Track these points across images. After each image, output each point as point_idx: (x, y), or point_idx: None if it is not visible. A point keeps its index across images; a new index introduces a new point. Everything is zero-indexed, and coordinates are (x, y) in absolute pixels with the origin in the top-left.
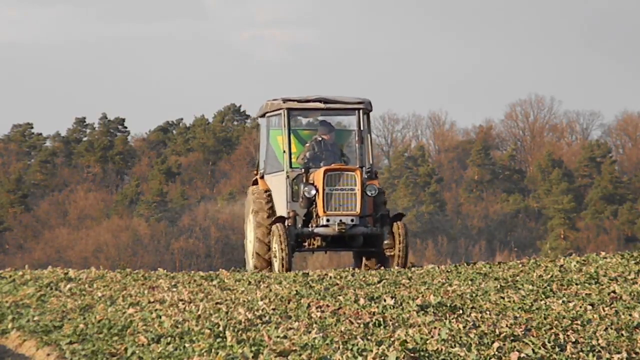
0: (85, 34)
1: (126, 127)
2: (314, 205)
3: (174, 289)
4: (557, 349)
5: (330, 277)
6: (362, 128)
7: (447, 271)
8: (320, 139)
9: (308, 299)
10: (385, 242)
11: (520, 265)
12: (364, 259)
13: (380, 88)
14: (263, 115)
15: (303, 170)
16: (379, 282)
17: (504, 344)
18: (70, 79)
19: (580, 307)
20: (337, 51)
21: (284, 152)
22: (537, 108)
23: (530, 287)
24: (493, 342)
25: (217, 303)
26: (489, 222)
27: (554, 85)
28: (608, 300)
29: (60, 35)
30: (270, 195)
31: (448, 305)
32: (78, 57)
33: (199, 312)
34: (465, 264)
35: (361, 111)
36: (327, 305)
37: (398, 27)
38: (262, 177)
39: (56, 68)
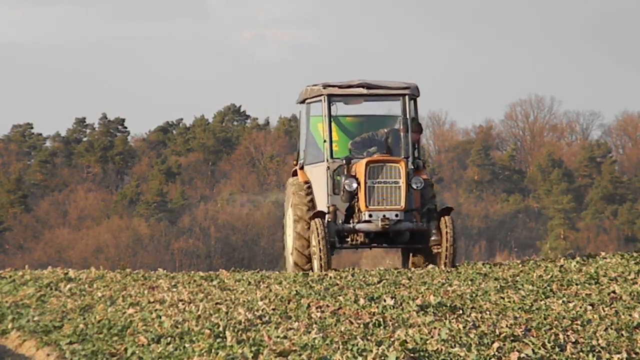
0: (86, 34)
1: (126, 127)
2: (356, 199)
3: (174, 289)
4: (557, 349)
5: (330, 277)
6: (408, 115)
7: (447, 271)
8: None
9: (308, 299)
10: (432, 238)
11: (520, 265)
12: (410, 256)
13: None
14: (303, 102)
15: (344, 161)
16: (379, 282)
17: (504, 344)
18: (70, 79)
19: (580, 307)
20: (338, 51)
21: (325, 141)
22: (537, 108)
23: (530, 287)
24: (493, 342)
25: (217, 303)
26: (489, 222)
27: (554, 85)
28: (608, 301)
29: (60, 35)
30: (310, 187)
31: (448, 305)
32: (78, 57)
33: (199, 312)
34: (465, 264)
35: (407, 97)
36: (327, 306)
37: (398, 27)
38: (301, 168)
39: (56, 68)
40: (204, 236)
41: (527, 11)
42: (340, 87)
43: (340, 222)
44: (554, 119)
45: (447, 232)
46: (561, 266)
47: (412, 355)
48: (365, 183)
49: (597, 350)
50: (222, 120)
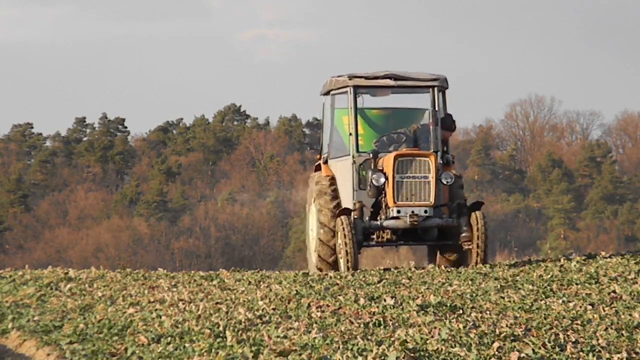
0: (86, 33)
1: (126, 127)
2: (383, 195)
3: (174, 289)
4: (557, 349)
5: (330, 277)
6: (437, 108)
7: (447, 271)
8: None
9: (308, 298)
10: (463, 234)
11: (520, 265)
12: (438, 253)
13: None
14: (327, 93)
15: (371, 155)
16: (379, 281)
17: (504, 344)
18: (71, 79)
19: (581, 307)
20: (339, 51)
21: (350, 134)
22: (537, 108)
23: (531, 287)
24: (493, 342)
25: (217, 303)
26: (489, 222)
27: (554, 85)
28: (608, 300)
29: (61, 34)
30: (334, 183)
31: (448, 305)
32: (78, 57)
33: (199, 312)
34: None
35: (436, 89)
36: (327, 305)
37: (399, 27)
38: (325, 162)
39: (56, 68)
40: (204, 236)
41: (527, 11)
42: (366, 78)
43: (366, 219)
44: (554, 118)
45: (478, 228)
46: (561, 266)
47: (412, 355)
48: (394, 178)
49: (597, 350)
50: (222, 120)
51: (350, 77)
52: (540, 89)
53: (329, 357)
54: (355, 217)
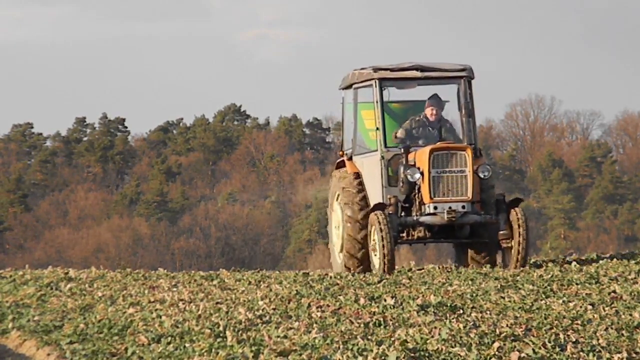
0: (86, 33)
1: (126, 127)
2: (417, 191)
3: (175, 289)
4: (557, 349)
5: (331, 277)
6: (467, 99)
7: (448, 271)
8: (422, 116)
9: (308, 298)
10: (502, 232)
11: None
12: (469, 252)
13: None
14: (349, 87)
15: (402, 150)
16: (379, 281)
17: (505, 344)
18: (71, 79)
19: (581, 307)
20: (339, 51)
21: (377, 129)
22: (537, 108)
23: (531, 287)
24: (493, 342)
25: (217, 303)
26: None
27: (554, 85)
28: (608, 300)
29: (61, 34)
30: (360, 181)
31: (448, 305)
32: (78, 57)
33: (199, 312)
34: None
35: (464, 79)
36: (328, 305)
37: (399, 27)
38: (350, 159)
39: (56, 67)
40: (204, 236)
41: (527, 11)
42: (392, 70)
43: (401, 214)
44: (554, 118)
45: (519, 226)
46: (561, 266)
47: (412, 355)
48: (429, 173)
49: (597, 350)
50: (223, 120)
51: (375, 70)
52: (540, 89)
53: (329, 357)
54: (391, 212)
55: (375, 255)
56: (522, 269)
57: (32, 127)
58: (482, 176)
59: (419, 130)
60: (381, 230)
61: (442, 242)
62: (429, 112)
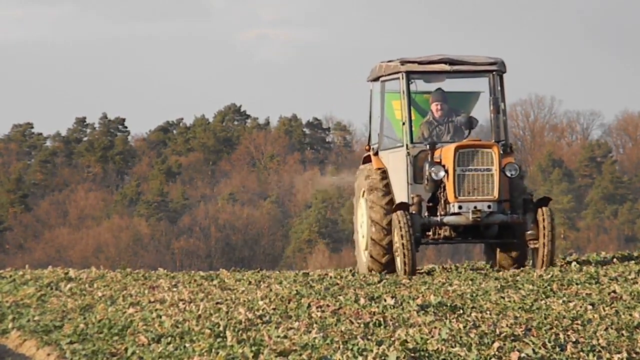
0: (86, 33)
1: (126, 127)
2: (442, 189)
3: (175, 289)
4: (557, 349)
5: (331, 277)
6: (497, 94)
7: (448, 271)
8: (429, 116)
9: (308, 298)
10: (529, 232)
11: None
12: (498, 253)
13: None
14: (376, 79)
15: (427, 146)
16: (379, 281)
17: (504, 344)
18: (71, 79)
19: (581, 307)
20: (340, 51)
21: (403, 123)
22: (537, 108)
23: (531, 287)
24: (493, 341)
25: (217, 303)
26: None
27: (554, 85)
28: (608, 300)
29: (61, 34)
30: (386, 176)
31: (448, 305)
32: (79, 57)
33: (199, 312)
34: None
35: (494, 73)
36: (328, 305)
37: (400, 26)
38: (375, 154)
39: (57, 67)
40: (204, 236)
41: (527, 11)
42: (420, 63)
43: (425, 214)
44: (554, 118)
45: (544, 227)
46: (561, 266)
47: (412, 354)
48: (454, 171)
49: (597, 350)
50: (223, 120)
51: (403, 63)
52: (540, 89)
53: (329, 357)
54: (414, 212)
55: (397, 256)
56: (521, 268)
57: (32, 127)
58: (509, 175)
59: (430, 133)
60: (401, 230)
61: (469, 243)
62: (434, 108)
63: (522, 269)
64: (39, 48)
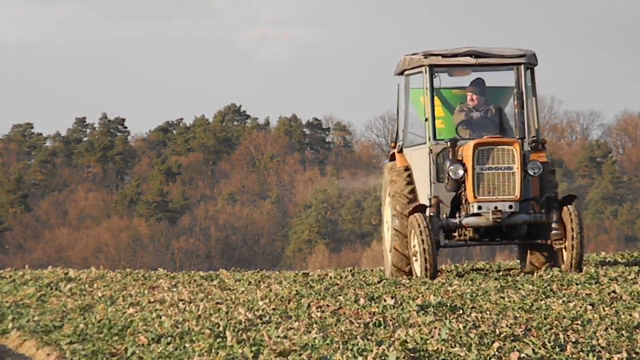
0: (87, 33)
1: (126, 127)
2: (463, 189)
3: (174, 289)
4: (557, 349)
5: (331, 277)
6: (523, 88)
7: (447, 271)
8: (464, 105)
9: (308, 298)
10: (553, 232)
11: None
12: (528, 254)
13: (383, 87)
14: (401, 73)
15: (449, 143)
16: (379, 282)
17: (504, 344)
18: (71, 79)
19: (581, 307)
20: (341, 51)
21: (426, 119)
22: None
23: (531, 287)
24: (493, 342)
25: (217, 303)
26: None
27: (554, 85)
28: (608, 300)
29: (61, 34)
30: (410, 175)
31: (448, 305)
32: (79, 57)
33: (199, 312)
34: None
35: (523, 66)
36: (327, 305)
37: (400, 26)
38: (400, 151)
39: (57, 67)
40: (204, 236)
41: (527, 11)
42: (444, 56)
43: (444, 216)
44: (554, 119)
45: (572, 227)
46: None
47: (412, 355)
48: (473, 169)
49: (597, 350)
50: (223, 120)
51: (426, 55)
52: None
53: (329, 357)
54: (432, 214)
55: (416, 260)
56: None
57: (32, 127)
58: (531, 173)
59: (463, 121)
60: (421, 234)
61: (494, 245)
62: (468, 98)
63: (552, 269)
64: (39, 48)
